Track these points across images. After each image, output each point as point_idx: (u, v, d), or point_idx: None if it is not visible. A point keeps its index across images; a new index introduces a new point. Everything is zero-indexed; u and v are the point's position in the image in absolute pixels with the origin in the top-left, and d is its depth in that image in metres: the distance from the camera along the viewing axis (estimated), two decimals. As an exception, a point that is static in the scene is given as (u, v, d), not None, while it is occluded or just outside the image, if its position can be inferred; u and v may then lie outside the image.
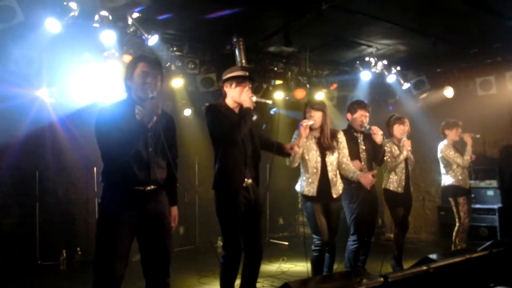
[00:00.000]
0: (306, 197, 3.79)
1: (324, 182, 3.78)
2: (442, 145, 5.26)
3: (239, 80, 3.19)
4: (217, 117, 3.16)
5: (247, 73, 3.26)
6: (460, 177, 5.16)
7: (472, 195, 5.43)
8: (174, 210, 2.88)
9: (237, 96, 3.19)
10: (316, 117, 3.75)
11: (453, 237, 5.16)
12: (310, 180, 3.78)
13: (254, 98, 3.17)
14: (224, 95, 3.29)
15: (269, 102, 3.38)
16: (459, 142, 5.26)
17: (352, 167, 3.89)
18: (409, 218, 4.87)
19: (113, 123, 2.54)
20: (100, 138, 2.60)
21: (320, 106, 3.84)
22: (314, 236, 3.76)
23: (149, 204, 2.61)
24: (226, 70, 3.35)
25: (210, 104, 3.38)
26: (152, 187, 2.62)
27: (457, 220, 5.16)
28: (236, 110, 3.24)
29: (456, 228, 5.15)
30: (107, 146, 2.57)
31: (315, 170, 3.77)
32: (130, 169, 2.56)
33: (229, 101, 3.26)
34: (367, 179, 3.77)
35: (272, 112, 7.55)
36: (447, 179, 5.23)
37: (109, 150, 2.57)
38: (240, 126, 3.10)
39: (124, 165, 2.55)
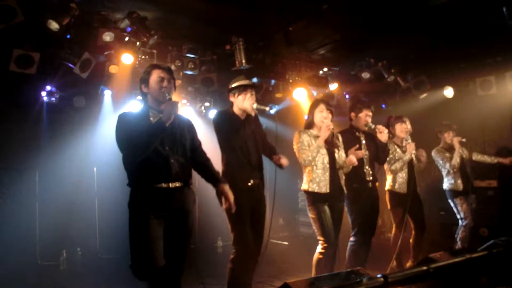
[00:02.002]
0: (316, 196, 3.77)
1: (334, 180, 3.84)
2: (434, 150, 5.29)
3: (240, 89, 3.45)
4: (221, 124, 3.44)
5: (249, 82, 3.52)
6: (452, 180, 5.19)
7: (474, 195, 5.43)
8: (224, 187, 2.94)
9: (241, 104, 3.45)
10: (329, 117, 3.89)
11: (455, 236, 5.19)
12: (322, 178, 3.79)
13: (255, 106, 3.42)
14: (231, 104, 3.55)
15: (267, 108, 3.58)
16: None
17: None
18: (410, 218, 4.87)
19: (132, 127, 2.69)
20: (120, 142, 2.72)
21: (332, 108, 3.99)
22: (321, 238, 3.74)
23: (175, 202, 2.73)
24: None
25: (218, 111, 3.62)
26: (176, 184, 2.73)
27: (459, 220, 5.19)
28: (242, 117, 3.49)
29: (458, 227, 5.18)
30: (128, 148, 2.68)
31: (326, 169, 3.81)
32: (151, 165, 2.68)
33: (236, 109, 3.51)
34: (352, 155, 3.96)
35: (272, 112, 7.55)
36: (443, 183, 5.28)
37: (130, 151, 2.69)
38: (238, 134, 3.38)
39: (145, 163, 2.67)
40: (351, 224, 4.21)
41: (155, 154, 2.69)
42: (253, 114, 3.45)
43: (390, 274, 1.60)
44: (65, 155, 6.05)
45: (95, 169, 6.10)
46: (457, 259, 2.00)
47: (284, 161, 3.55)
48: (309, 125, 3.96)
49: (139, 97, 2.93)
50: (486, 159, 5.45)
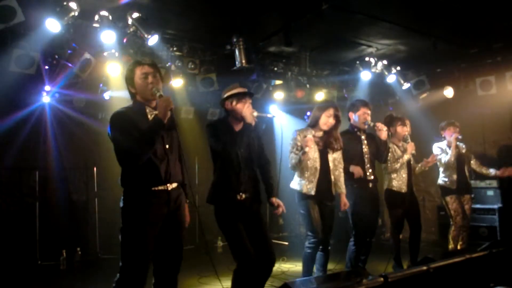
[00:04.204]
0: (304, 195, 3.85)
1: (323, 181, 3.86)
2: (434, 145, 5.30)
3: (239, 97, 3.27)
4: (214, 135, 3.26)
5: (246, 90, 3.37)
6: (446, 177, 5.20)
7: (472, 195, 5.43)
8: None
9: (239, 112, 3.26)
10: (333, 123, 3.92)
11: (448, 236, 5.22)
12: (309, 178, 3.84)
13: (255, 113, 3.27)
14: (226, 113, 3.36)
15: (269, 115, 3.47)
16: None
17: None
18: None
19: (130, 124, 2.58)
20: (119, 140, 2.60)
21: (339, 113, 3.98)
22: (309, 233, 3.84)
23: (172, 204, 2.68)
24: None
25: (210, 122, 3.47)
26: (173, 185, 2.69)
27: (450, 219, 5.21)
28: (237, 127, 3.31)
29: (450, 226, 5.21)
30: (127, 146, 2.55)
31: (316, 171, 3.84)
32: (152, 167, 2.60)
33: (232, 118, 3.32)
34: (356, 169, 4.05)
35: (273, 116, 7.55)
36: (438, 178, 5.29)
37: (130, 150, 2.56)
38: (230, 147, 3.20)
39: (145, 164, 2.58)
40: (351, 224, 4.21)
41: (155, 153, 2.62)
42: (253, 123, 3.28)
43: (390, 274, 1.61)
44: (65, 155, 6.06)
45: (95, 169, 6.10)
46: (457, 259, 2.00)
47: (280, 210, 3.36)
48: (314, 124, 3.96)
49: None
50: (483, 171, 5.35)
